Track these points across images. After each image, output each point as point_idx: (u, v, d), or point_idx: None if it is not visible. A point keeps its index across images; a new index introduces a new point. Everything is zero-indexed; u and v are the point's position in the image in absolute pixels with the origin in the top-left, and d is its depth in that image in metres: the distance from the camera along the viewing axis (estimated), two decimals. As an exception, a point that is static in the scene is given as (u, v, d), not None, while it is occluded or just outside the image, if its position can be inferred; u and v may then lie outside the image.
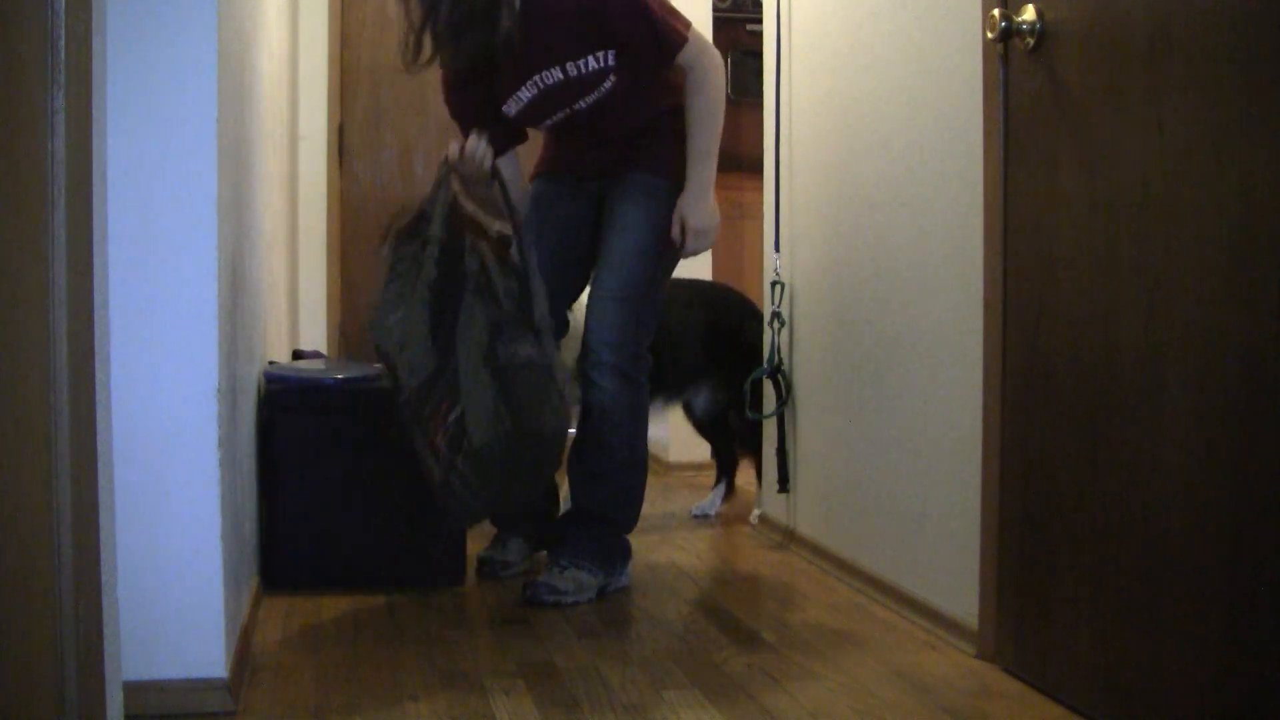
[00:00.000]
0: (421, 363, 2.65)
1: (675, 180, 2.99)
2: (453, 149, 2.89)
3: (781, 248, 3.56)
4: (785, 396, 3.52)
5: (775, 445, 3.55)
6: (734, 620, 2.75)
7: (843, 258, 3.17)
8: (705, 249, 3.01)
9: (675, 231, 2.95)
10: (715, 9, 4.92)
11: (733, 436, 3.98)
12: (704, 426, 4.03)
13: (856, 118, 3.09)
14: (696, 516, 3.95)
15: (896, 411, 2.85)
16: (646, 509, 4.03)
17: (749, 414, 3.64)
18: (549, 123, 2.99)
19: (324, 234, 5.09)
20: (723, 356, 3.82)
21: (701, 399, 3.91)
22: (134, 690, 1.98)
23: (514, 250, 2.85)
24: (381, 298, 2.72)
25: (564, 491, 3.30)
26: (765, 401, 3.65)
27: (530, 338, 2.73)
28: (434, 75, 5.54)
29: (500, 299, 2.74)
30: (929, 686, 2.31)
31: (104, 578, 1.63)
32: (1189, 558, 1.87)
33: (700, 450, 4.75)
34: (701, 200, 2.96)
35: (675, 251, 3.02)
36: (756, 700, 2.23)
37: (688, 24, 2.91)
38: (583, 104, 2.91)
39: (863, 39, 3.05)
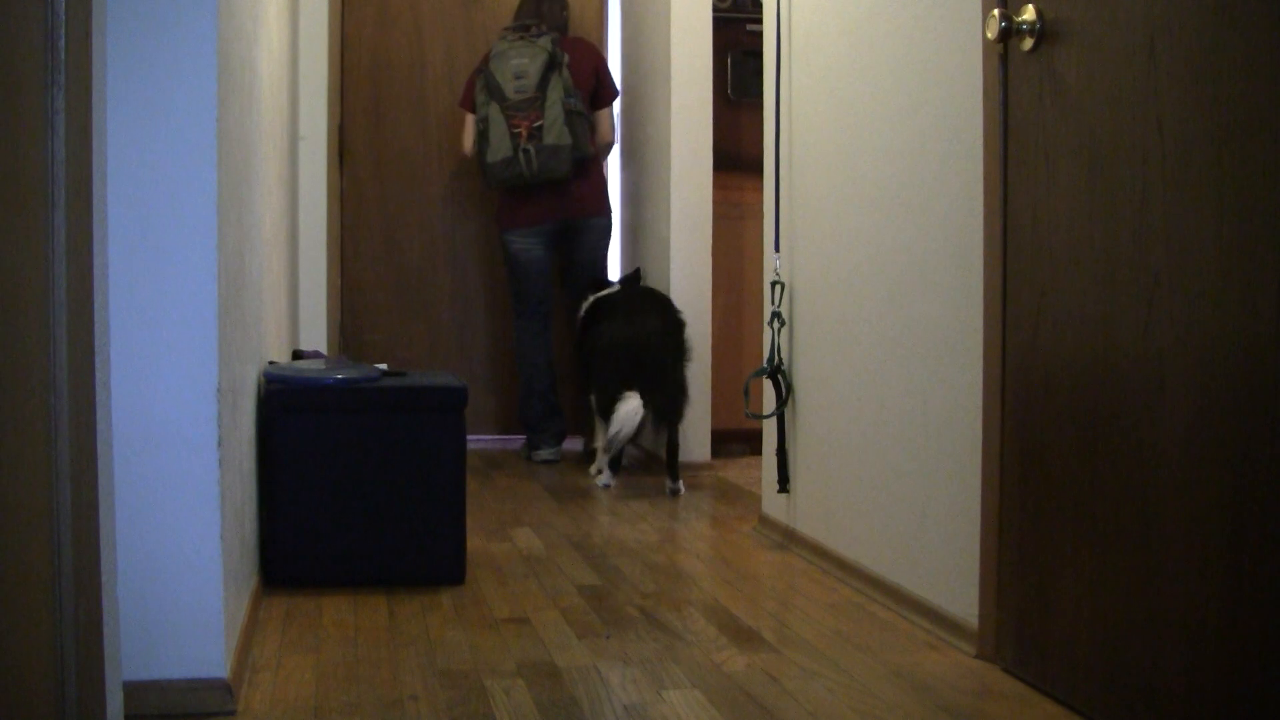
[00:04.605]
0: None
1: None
2: None
3: (781, 248, 3.56)
4: (785, 396, 3.52)
5: (775, 445, 3.55)
6: (734, 620, 2.75)
7: (843, 258, 3.17)
8: None
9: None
10: (715, 9, 4.91)
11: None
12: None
13: (856, 118, 3.09)
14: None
15: (896, 411, 2.85)
16: (648, 509, 4.04)
17: (747, 414, 3.64)
18: None
19: (324, 234, 5.09)
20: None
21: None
22: (134, 690, 1.98)
23: None
24: None
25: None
26: (765, 401, 3.65)
27: None
28: (432, 76, 5.53)
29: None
30: (929, 686, 2.31)
31: (104, 578, 1.63)
32: (1189, 558, 1.87)
33: (700, 450, 4.76)
34: None
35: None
36: (756, 700, 2.24)
37: (462, 104, 4.93)
38: None
39: (863, 39, 3.05)
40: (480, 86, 4.73)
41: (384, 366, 3.39)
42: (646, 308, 4.42)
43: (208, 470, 2.08)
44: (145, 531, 2.05)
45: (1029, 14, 2.24)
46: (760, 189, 3.74)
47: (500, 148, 4.63)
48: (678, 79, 4.77)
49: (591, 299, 4.69)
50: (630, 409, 4.16)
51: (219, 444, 2.09)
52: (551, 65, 4.66)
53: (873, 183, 3.00)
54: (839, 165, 3.20)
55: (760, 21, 3.82)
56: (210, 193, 2.06)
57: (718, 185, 4.91)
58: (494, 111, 4.65)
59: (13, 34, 1.37)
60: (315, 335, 5.02)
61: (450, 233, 5.39)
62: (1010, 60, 2.34)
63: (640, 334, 4.28)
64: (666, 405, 4.27)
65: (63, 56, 1.45)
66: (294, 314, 4.69)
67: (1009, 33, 2.28)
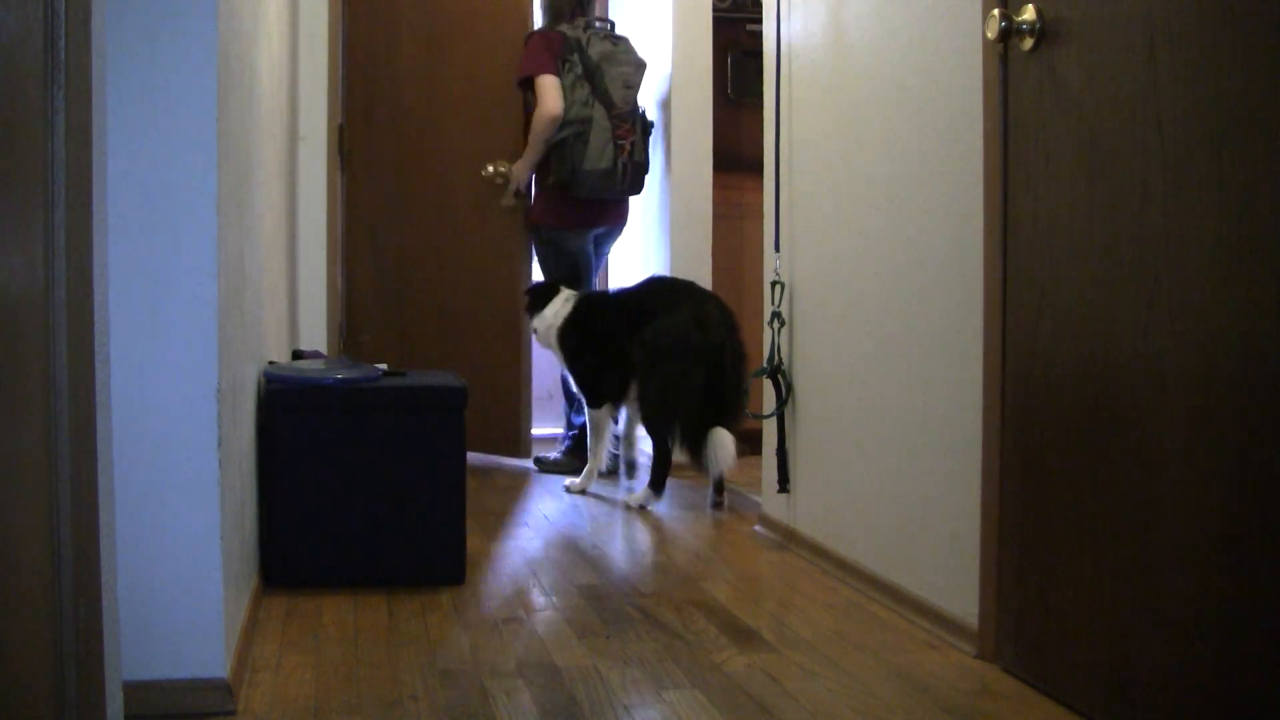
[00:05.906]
0: None
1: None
2: None
3: (781, 248, 3.56)
4: (785, 396, 3.52)
5: (775, 445, 3.55)
6: (734, 620, 2.75)
7: (843, 258, 3.17)
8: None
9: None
10: (715, 9, 4.91)
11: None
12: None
13: (856, 118, 3.09)
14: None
15: (896, 411, 2.85)
16: (648, 509, 4.04)
17: (747, 414, 3.64)
18: None
19: (324, 234, 5.09)
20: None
21: None
22: (134, 690, 1.98)
23: None
24: None
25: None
26: (765, 401, 3.65)
27: None
28: (431, 76, 5.52)
29: None
30: (929, 686, 2.31)
31: (104, 578, 1.63)
32: (1189, 558, 1.87)
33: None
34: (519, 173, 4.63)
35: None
36: (756, 700, 2.24)
37: (539, 70, 4.39)
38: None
39: (863, 39, 3.05)
40: (577, 78, 4.41)
41: (384, 366, 3.39)
42: (709, 306, 4.09)
43: (208, 470, 2.08)
44: (145, 531, 2.05)
45: (1029, 14, 2.24)
46: (760, 189, 3.74)
47: (602, 157, 4.38)
48: (678, 79, 4.77)
49: (612, 293, 4.33)
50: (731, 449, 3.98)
51: (219, 444, 2.09)
52: (642, 78, 4.54)
53: (873, 183, 3.00)
54: (839, 165, 3.20)
55: (760, 21, 3.82)
56: (210, 193, 2.06)
57: (718, 185, 4.91)
58: (599, 116, 4.39)
59: (13, 34, 1.37)
60: (315, 335, 5.02)
61: (452, 233, 5.39)
62: (1010, 60, 2.34)
63: (715, 340, 4.00)
64: (736, 418, 4.04)
65: (63, 56, 1.45)
66: (294, 314, 4.69)
67: (1009, 33, 2.28)
